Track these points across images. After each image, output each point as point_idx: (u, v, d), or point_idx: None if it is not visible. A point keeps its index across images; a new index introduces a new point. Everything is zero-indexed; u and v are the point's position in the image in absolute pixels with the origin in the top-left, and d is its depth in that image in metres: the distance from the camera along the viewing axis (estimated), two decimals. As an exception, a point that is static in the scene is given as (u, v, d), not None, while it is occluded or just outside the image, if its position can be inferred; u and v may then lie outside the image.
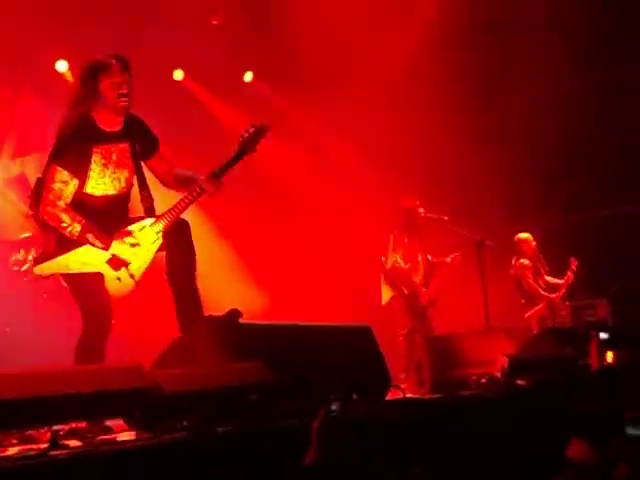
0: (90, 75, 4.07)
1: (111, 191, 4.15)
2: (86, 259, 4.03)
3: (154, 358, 3.80)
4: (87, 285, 4.06)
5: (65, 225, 3.98)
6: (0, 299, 6.91)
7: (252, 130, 4.36)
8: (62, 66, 7.73)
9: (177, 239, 4.22)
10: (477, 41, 8.61)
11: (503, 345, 5.33)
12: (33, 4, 6.98)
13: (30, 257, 6.82)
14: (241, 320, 3.93)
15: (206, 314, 4.16)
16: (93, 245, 4.02)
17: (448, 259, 7.32)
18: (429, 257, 7.30)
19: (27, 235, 6.86)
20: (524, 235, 7.90)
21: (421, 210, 7.19)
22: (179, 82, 8.93)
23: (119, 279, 4.08)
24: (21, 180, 7.58)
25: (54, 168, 4.02)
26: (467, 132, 8.61)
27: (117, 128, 4.15)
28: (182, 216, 4.27)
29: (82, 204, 4.07)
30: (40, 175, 4.16)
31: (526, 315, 7.66)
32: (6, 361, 5.93)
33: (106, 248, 4.04)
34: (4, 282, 6.89)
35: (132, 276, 4.10)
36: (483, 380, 4.90)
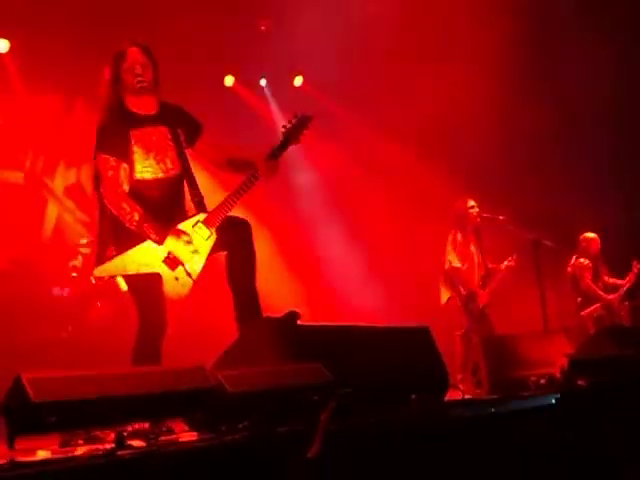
0: (112, 64, 4.21)
1: (160, 174, 4.15)
2: (143, 259, 4.03)
3: (214, 359, 3.82)
4: (144, 286, 4.07)
5: (125, 212, 4.00)
6: (59, 304, 7.06)
7: (294, 120, 4.40)
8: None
9: (237, 240, 4.22)
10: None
11: (562, 345, 5.26)
12: (86, 16, 7.11)
13: (88, 262, 6.95)
14: (299, 321, 3.94)
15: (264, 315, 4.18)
16: (148, 237, 4.01)
17: (503, 265, 7.25)
18: (486, 262, 7.24)
19: (85, 242, 7.00)
20: (590, 235, 7.82)
21: (476, 210, 7.14)
22: (229, 88, 9.04)
23: (177, 279, 4.06)
24: (78, 188, 7.74)
25: (100, 157, 4.09)
26: (521, 130, 8.53)
27: (151, 112, 4.21)
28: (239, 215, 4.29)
29: (137, 192, 4.09)
30: (94, 172, 4.20)
31: (582, 314, 7.56)
32: (67, 363, 6.03)
33: (160, 242, 4.02)
34: (63, 287, 7.03)
35: (189, 275, 4.07)
36: (542, 381, 4.84)
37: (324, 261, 9.01)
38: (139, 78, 4.14)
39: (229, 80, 9.08)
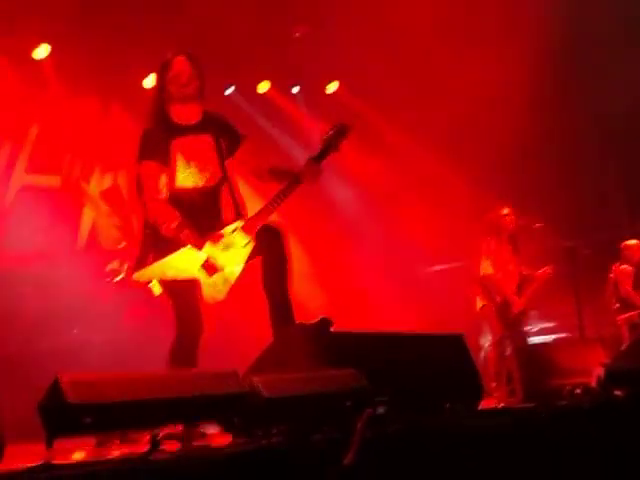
0: (158, 74, 4.29)
1: (200, 183, 4.19)
2: (181, 265, 4.07)
3: (249, 364, 3.83)
4: (181, 291, 4.11)
5: (163, 219, 4.05)
6: (92, 308, 7.12)
7: (333, 130, 4.41)
8: (150, 82, 7.93)
9: (272, 246, 4.24)
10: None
11: (598, 354, 5.19)
12: (125, 21, 7.19)
13: (125, 267, 7.02)
14: (333, 328, 3.94)
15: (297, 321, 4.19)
16: (186, 242, 4.03)
17: (538, 273, 7.19)
18: (522, 269, 7.19)
19: (121, 246, 7.06)
20: (632, 242, 7.78)
21: (510, 218, 7.09)
22: (264, 94, 9.08)
23: (214, 285, 4.09)
24: (114, 193, 7.80)
25: (142, 164, 4.15)
26: (560, 132, 8.47)
27: (193, 121, 4.26)
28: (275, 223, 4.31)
29: (177, 199, 4.13)
30: (136, 179, 4.25)
31: (618, 319, 7.51)
32: (102, 366, 6.10)
33: (199, 247, 4.05)
34: (100, 292, 7.09)
35: (227, 281, 4.10)
36: (578, 390, 4.78)
37: (358, 270, 9.00)
38: (184, 88, 4.19)
39: (265, 86, 9.12)
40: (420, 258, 8.97)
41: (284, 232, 4.31)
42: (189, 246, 4.05)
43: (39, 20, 7.06)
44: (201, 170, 4.20)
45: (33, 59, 7.61)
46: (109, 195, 7.74)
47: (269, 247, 4.24)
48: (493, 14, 8.14)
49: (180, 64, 4.22)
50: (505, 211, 7.13)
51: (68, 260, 7.43)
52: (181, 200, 4.15)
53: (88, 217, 8.16)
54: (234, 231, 4.18)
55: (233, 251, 4.14)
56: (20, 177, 7.89)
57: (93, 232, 8.10)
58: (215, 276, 4.09)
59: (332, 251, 8.75)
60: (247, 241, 4.18)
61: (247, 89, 8.85)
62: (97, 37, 7.15)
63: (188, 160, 4.17)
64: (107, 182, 8.31)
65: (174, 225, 4.03)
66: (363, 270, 8.99)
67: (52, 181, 8.06)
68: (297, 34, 8.71)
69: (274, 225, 4.32)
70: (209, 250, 4.09)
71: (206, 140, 4.26)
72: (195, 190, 4.18)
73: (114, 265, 7.14)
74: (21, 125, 7.84)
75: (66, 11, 6.92)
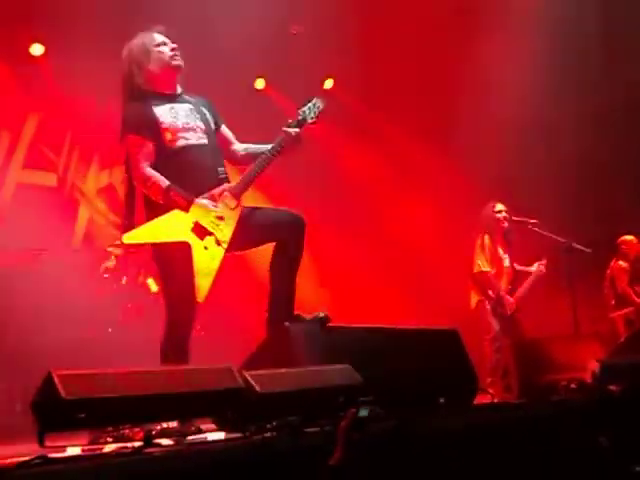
0: (139, 40, 4.37)
1: (192, 140, 4.19)
2: (172, 227, 4.02)
3: (244, 359, 3.83)
4: (172, 255, 4.04)
5: (150, 184, 4.05)
6: (91, 305, 7.12)
7: (308, 103, 4.40)
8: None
9: (293, 235, 4.22)
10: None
11: (593, 350, 5.20)
12: (119, 18, 7.18)
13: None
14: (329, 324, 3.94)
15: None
16: (174, 204, 4.01)
17: (533, 268, 7.20)
18: (515, 265, 7.19)
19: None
20: (629, 237, 7.77)
21: (505, 215, 7.09)
22: (260, 90, 9.09)
23: (206, 248, 4.02)
24: (110, 191, 7.82)
25: (125, 137, 4.14)
26: (552, 130, 8.47)
27: (176, 91, 4.30)
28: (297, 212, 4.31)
29: (170, 160, 4.12)
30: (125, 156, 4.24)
31: (612, 315, 7.51)
32: (97, 364, 6.08)
33: (187, 208, 4.02)
34: (95, 289, 7.10)
35: (219, 243, 4.04)
36: (573, 385, 4.78)
37: (353, 263, 9.01)
38: (174, 52, 4.24)
39: (260, 83, 9.13)
40: (417, 254, 8.96)
41: (304, 222, 4.26)
42: (177, 210, 4.03)
43: (33, 18, 7.06)
44: (190, 129, 4.20)
45: (29, 57, 7.62)
46: (105, 193, 7.76)
47: (288, 235, 4.21)
48: (492, 6, 8.14)
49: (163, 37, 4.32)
50: (499, 207, 7.14)
51: (63, 257, 7.43)
52: (172, 159, 4.12)
53: (84, 215, 8.17)
54: (221, 194, 4.14)
55: (222, 214, 4.09)
56: (16, 174, 7.90)
57: (89, 230, 8.11)
58: (207, 239, 4.04)
59: (329, 248, 8.75)
60: (235, 204, 4.14)
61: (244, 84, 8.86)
62: (92, 35, 7.14)
63: (174, 123, 4.17)
64: (104, 180, 8.32)
65: (162, 187, 4.02)
66: (359, 266, 8.99)
67: (48, 179, 8.06)
68: (293, 32, 8.70)
69: (297, 214, 4.29)
70: (198, 213, 4.04)
71: (188, 107, 4.28)
72: (189, 148, 4.17)
73: (110, 263, 7.16)
74: (17, 122, 7.84)
75: (59, 9, 6.92)
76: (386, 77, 8.48)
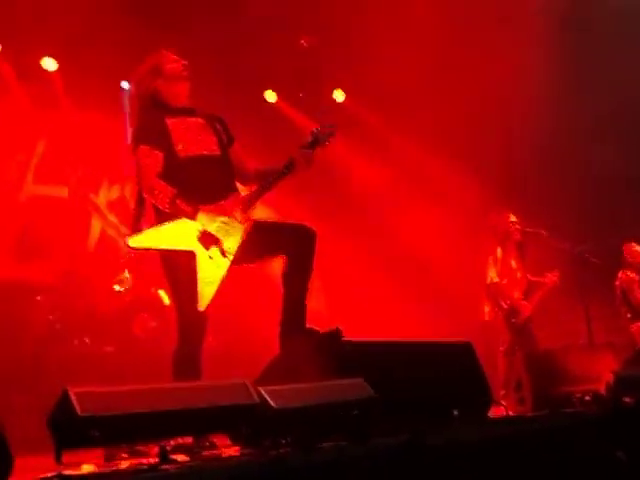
0: (153, 57, 4.43)
1: (203, 151, 4.22)
2: (178, 235, 4.03)
3: (259, 373, 3.84)
4: (178, 263, 4.06)
5: (157, 193, 4.06)
6: (101, 318, 7.15)
7: (323, 127, 4.44)
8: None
9: (305, 248, 4.24)
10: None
11: (608, 361, 5.18)
12: (130, 34, 7.22)
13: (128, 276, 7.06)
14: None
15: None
16: (181, 212, 4.02)
17: (545, 279, 7.17)
18: (528, 275, 7.17)
19: (130, 256, 7.08)
20: (634, 246, 7.70)
21: (516, 225, 7.08)
22: (272, 103, 9.12)
23: (211, 258, 4.03)
24: (121, 204, 7.85)
25: (136, 148, 4.17)
26: (565, 139, 8.46)
27: (187, 105, 4.33)
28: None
29: (180, 169, 4.14)
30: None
31: (631, 328, 7.44)
32: (111, 376, 6.11)
33: (193, 216, 4.02)
34: (108, 302, 7.12)
35: (224, 253, 4.04)
36: (587, 397, 4.77)
37: (365, 276, 8.99)
38: (185, 66, 4.31)
39: (270, 95, 9.16)
40: (429, 266, 8.95)
41: (316, 235, 4.28)
42: (184, 218, 4.05)
43: (47, 35, 7.11)
44: (201, 141, 4.24)
45: (41, 73, 7.68)
46: (117, 206, 7.79)
47: (300, 249, 4.23)
48: (496, 20, 8.15)
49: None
50: (512, 218, 7.13)
51: (78, 270, 7.46)
52: (186, 172, 4.14)
53: (96, 228, 8.21)
54: (232, 207, 4.15)
55: (230, 226, 4.09)
56: (29, 187, 7.95)
57: (101, 243, 8.14)
58: (212, 249, 4.05)
59: (341, 260, 8.74)
60: (243, 218, 4.15)
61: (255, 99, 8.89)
62: (104, 50, 7.18)
63: (185, 133, 4.21)
64: (115, 193, 8.36)
65: (169, 196, 4.03)
66: (371, 279, 8.98)
67: (60, 192, 8.11)
68: (303, 42, 8.74)
69: (307, 226, 4.30)
70: (205, 223, 4.05)
71: (201, 122, 4.33)
72: (199, 158, 4.20)
73: (123, 275, 7.18)
74: (30, 137, 7.89)
75: (72, 25, 6.97)
76: (396, 88, 8.48)
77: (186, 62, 4.34)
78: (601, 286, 7.49)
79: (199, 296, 3.98)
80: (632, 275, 7.60)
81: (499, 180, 8.54)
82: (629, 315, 7.55)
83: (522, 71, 8.22)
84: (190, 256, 4.03)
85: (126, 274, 7.16)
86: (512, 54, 8.11)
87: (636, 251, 7.71)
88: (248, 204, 4.21)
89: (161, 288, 7.17)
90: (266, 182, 4.28)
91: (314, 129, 4.45)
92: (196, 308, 4.00)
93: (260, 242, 4.21)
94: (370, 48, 8.15)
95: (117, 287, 7.17)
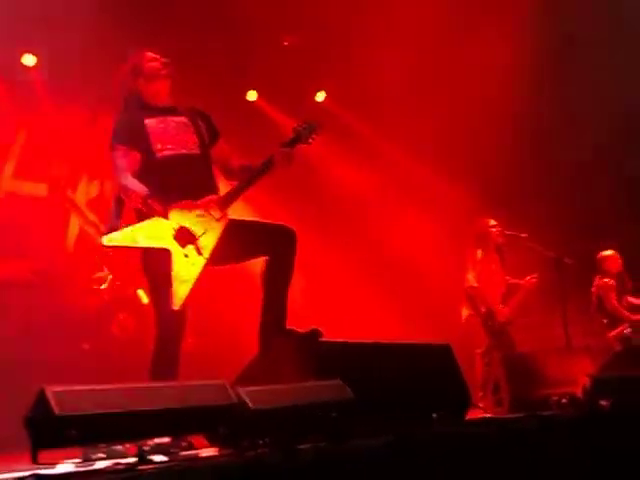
0: (134, 56, 4.43)
1: (182, 150, 4.21)
2: (153, 233, 4.01)
3: (234, 372, 3.83)
4: (155, 260, 4.04)
5: (130, 192, 4.06)
6: (79, 317, 7.11)
7: (305, 124, 4.46)
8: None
9: (284, 249, 4.24)
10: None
11: (584, 364, 5.22)
12: (112, 31, 7.18)
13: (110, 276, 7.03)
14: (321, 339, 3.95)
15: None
16: (153, 212, 4.01)
17: (523, 282, 7.21)
18: (507, 278, 7.21)
19: (109, 254, 7.05)
20: (608, 252, 7.75)
21: (496, 229, 7.12)
22: (253, 102, 9.11)
23: (186, 256, 4.01)
24: (100, 201, 7.81)
25: (113, 147, 4.17)
26: (544, 145, 8.51)
27: (168, 103, 4.33)
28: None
29: (157, 168, 4.14)
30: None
31: (609, 335, 7.49)
32: (89, 375, 6.07)
33: (164, 214, 4.01)
34: (86, 300, 7.09)
35: (200, 251, 4.03)
36: (564, 400, 4.80)
37: (344, 278, 9.01)
38: (164, 64, 4.29)
39: (252, 95, 9.15)
40: (408, 269, 8.98)
41: (295, 235, 4.28)
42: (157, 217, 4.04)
43: (25, 29, 7.05)
44: (180, 140, 4.23)
45: (21, 68, 7.61)
46: (96, 204, 7.75)
47: (281, 248, 4.23)
48: (486, 22, 8.16)
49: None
50: (492, 222, 7.17)
51: (55, 268, 7.41)
52: (165, 171, 4.14)
53: (75, 225, 8.15)
54: (207, 205, 4.14)
55: (206, 224, 4.09)
56: (7, 184, 7.88)
57: (80, 241, 8.09)
58: (188, 247, 4.02)
59: (320, 262, 8.74)
60: (220, 215, 4.15)
61: (236, 96, 8.87)
62: (83, 47, 7.13)
63: (164, 133, 4.20)
64: (94, 191, 8.31)
65: (141, 194, 4.02)
66: (351, 281, 8.99)
67: (39, 189, 8.05)
68: (286, 43, 8.73)
69: (287, 226, 4.31)
70: (181, 220, 4.04)
71: (182, 120, 4.32)
72: (178, 157, 4.19)
73: (101, 273, 7.14)
74: (9, 132, 7.83)
75: (51, 20, 6.92)
76: (380, 90, 8.49)
77: (166, 60, 4.33)
78: (579, 289, 7.54)
79: (174, 294, 3.95)
80: (608, 281, 7.65)
81: (484, 186, 8.56)
82: (605, 321, 7.60)
83: (512, 75, 8.24)
84: (166, 254, 4.01)
85: (105, 272, 7.12)
86: (502, 58, 8.14)
87: (609, 257, 7.76)
88: (226, 202, 4.20)
89: (140, 287, 7.14)
90: (244, 180, 4.28)
91: (296, 125, 4.47)
92: (171, 306, 3.98)
93: (239, 241, 4.19)
94: (357, 49, 8.17)
95: (95, 285, 7.14)
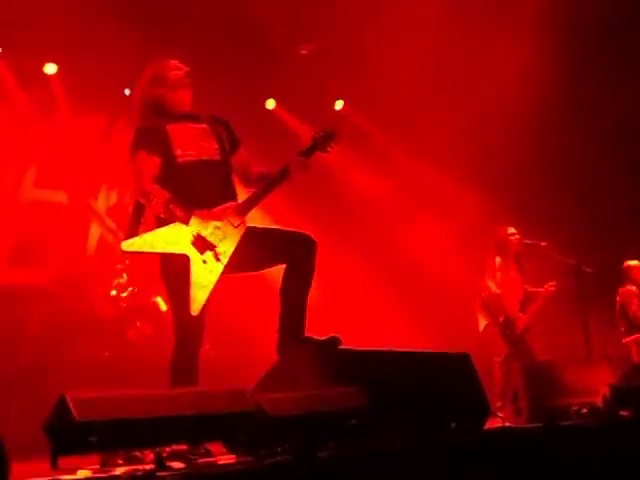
0: (155, 65, 4.42)
1: (203, 157, 4.21)
2: (172, 238, 4.03)
3: (255, 382, 3.83)
4: (177, 270, 4.03)
5: (151, 197, 4.06)
6: (98, 323, 7.14)
7: (324, 132, 4.45)
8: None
9: (305, 258, 4.22)
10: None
11: (605, 374, 5.18)
12: (131, 39, 7.23)
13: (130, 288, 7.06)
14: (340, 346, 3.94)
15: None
16: (173, 216, 4.01)
17: (542, 290, 7.17)
18: (526, 286, 7.18)
19: (128, 262, 7.08)
20: (634, 262, 7.74)
21: (515, 237, 7.10)
22: (272, 110, 9.14)
23: (205, 262, 4.01)
24: (120, 209, 7.83)
25: (134, 153, 4.18)
26: (563, 157, 8.47)
27: (189, 111, 4.32)
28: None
29: (178, 174, 4.14)
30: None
31: (624, 340, 7.46)
32: (105, 384, 6.09)
33: (186, 220, 4.02)
34: (103, 306, 7.12)
35: (218, 258, 4.03)
36: (584, 410, 4.77)
37: (363, 286, 8.99)
38: (187, 74, 4.29)
39: (271, 103, 9.18)
40: (427, 277, 8.95)
41: (315, 243, 4.27)
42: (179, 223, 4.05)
43: (46, 39, 7.11)
44: (202, 146, 4.23)
45: (41, 78, 7.68)
46: (115, 211, 7.78)
47: (299, 257, 4.21)
48: (502, 23, 8.15)
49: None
50: (510, 230, 7.14)
51: (75, 276, 7.45)
52: (186, 177, 4.14)
53: (95, 233, 8.20)
54: (225, 211, 4.14)
55: (225, 231, 4.09)
56: (28, 192, 7.94)
57: (100, 248, 8.13)
58: (206, 254, 4.03)
59: (340, 270, 8.73)
60: (239, 222, 4.15)
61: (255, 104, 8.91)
62: (103, 55, 7.19)
63: (186, 139, 4.21)
64: (113, 198, 8.36)
65: (162, 200, 4.03)
66: (370, 289, 8.97)
67: (59, 197, 8.10)
68: (304, 52, 8.76)
69: (305, 234, 4.30)
70: (199, 227, 4.05)
71: (203, 127, 4.32)
72: (199, 163, 4.19)
73: (122, 280, 7.17)
74: (30, 142, 7.89)
75: (72, 29, 6.98)
76: (397, 98, 8.49)
77: (188, 69, 4.36)
78: (599, 297, 7.50)
79: (192, 300, 3.97)
80: (632, 289, 7.65)
81: (501, 193, 8.54)
82: (623, 328, 7.58)
83: (529, 77, 8.21)
84: (184, 260, 4.03)
85: (124, 279, 7.15)
86: (518, 60, 8.11)
87: (634, 266, 7.75)
88: (244, 209, 4.21)
89: (159, 294, 7.16)
90: (261, 188, 4.29)
91: (314, 133, 4.47)
92: (190, 312, 3.99)
93: (257, 249, 4.19)
94: (374, 58, 8.17)
95: (114, 292, 7.17)
